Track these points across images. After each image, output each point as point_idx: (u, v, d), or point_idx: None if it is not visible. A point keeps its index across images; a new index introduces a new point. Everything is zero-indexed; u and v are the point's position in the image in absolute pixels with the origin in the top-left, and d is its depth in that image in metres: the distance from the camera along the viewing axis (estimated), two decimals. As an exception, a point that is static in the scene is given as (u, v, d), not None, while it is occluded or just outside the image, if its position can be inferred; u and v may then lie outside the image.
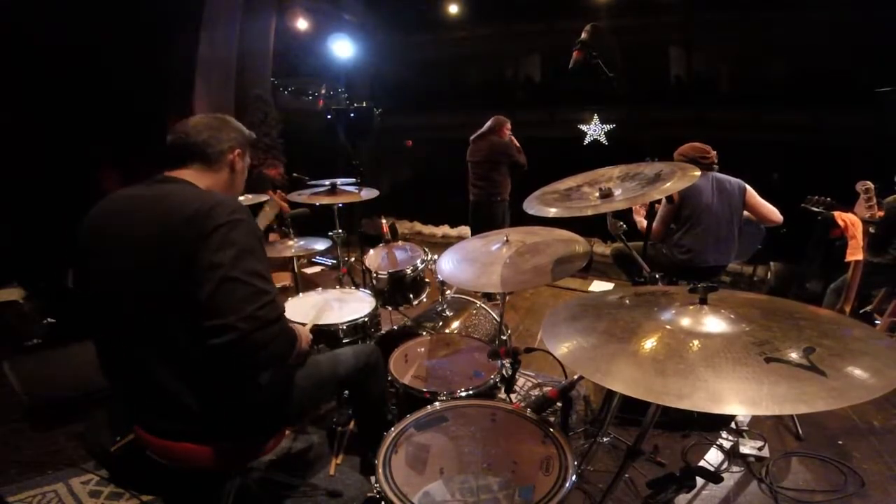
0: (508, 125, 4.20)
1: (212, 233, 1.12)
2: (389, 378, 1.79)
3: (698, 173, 1.57)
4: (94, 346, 1.29)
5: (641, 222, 2.76)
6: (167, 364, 1.20)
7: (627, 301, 1.17)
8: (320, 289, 2.58)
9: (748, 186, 2.63)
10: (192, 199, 1.17)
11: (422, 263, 2.57)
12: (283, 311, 1.20)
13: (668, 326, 0.98)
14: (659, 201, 2.66)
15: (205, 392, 1.23)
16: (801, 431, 2.25)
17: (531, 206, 1.72)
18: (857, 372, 0.79)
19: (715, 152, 2.67)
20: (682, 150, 2.67)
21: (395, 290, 2.54)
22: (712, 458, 2.14)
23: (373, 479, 1.16)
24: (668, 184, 1.54)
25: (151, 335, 1.18)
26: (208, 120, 1.36)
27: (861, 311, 3.03)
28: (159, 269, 1.14)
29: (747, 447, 2.13)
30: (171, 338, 1.17)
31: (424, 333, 2.15)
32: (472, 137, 4.28)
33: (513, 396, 1.89)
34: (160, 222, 1.15)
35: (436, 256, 2.34)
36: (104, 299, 1.22)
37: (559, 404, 1.37)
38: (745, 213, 2.68)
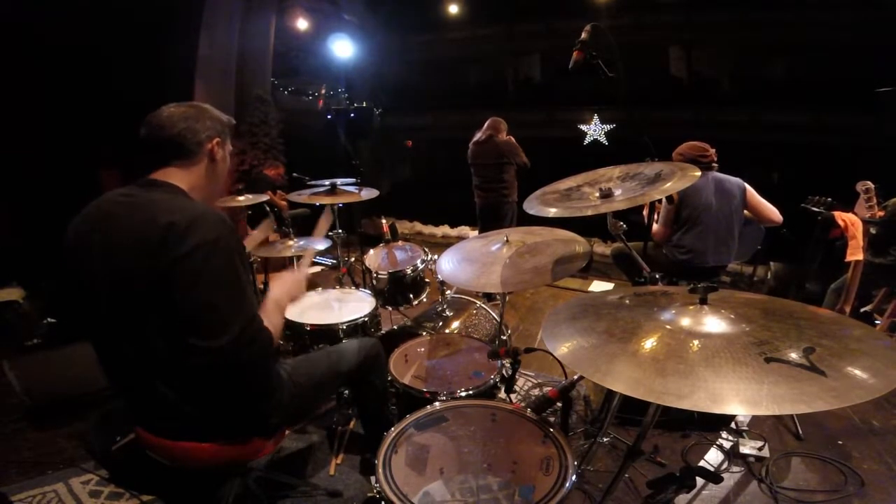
0: (505, 125, 4.22)
1: (188, 256, 1.09)
2: (389, 378, 1.79)
3: (698, 173, 1.56)
4: (92, 347, 1.29)
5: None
6: (156, 368, 1.19)
7: (627, 301, 1.17)
8: (320, 289, 2.58)
9: (748, 186, 2.63)
10: (170, 211, 1.14)
11: (422, 263, 2.57)
12: (261, 325, 1.20)
13: (668, 326, 0.98)
14: (660, 200, 2.66)
15: (197, 394, 1.23)
16: (801, 431, 2.25)
17: (531, 206, 1.72)
18: (857, 372, 0.79)
19: (714, 150, 2.67)
20: (680, 149, 2.67)
21: (395, 290, 2.54)
22: (712, 458, 2.14)
23: (373, 479, 1.16)
24: (669, 184, 1.54)
25: (137, 342, 1.18)
26: (183, 110, 1.28)
27: (861, 311, 3.03)
28: (136, 280, 1.12)
29: (747, 447, 2.13)
30: (154, 345, 1.16)
31: (424, 333, 2.15)
32: (473, 142, 4.28)
33: (513, 396, 1.89)
34: (138, 233, 1.13)
35: (436, 256, 2.34)
36: (90, 305, 1.21)
37: (559, 404, 1.37)
38: (746, 212, 2.67)
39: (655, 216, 2.71)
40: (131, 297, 1.14)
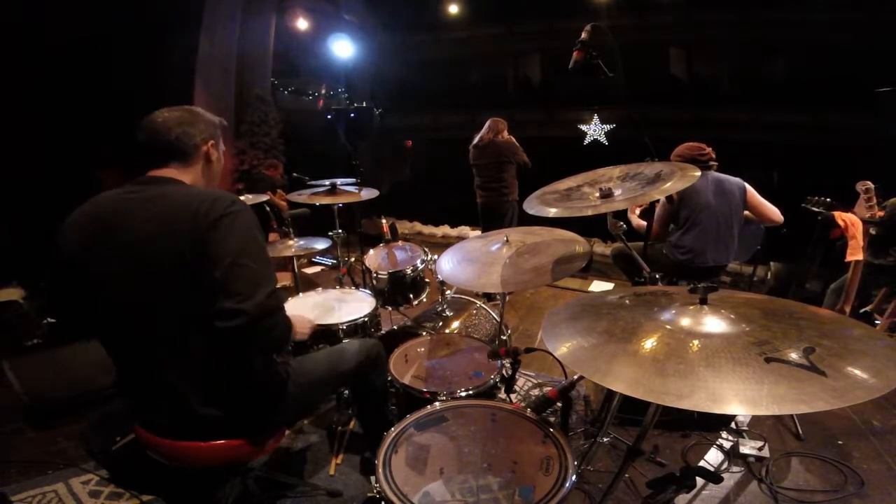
0: (505, 125, 4.23)
1: (216, 223, 1.15)
2: (389, 378, 1.79)
3: (698, 173, 1.56)
4: (102, 345, 1.29)
5: (636, 221, 2.76)
6: (174, 361, 1.21)
7: (627, 301, 1.17)
8: (320, 289, 2.58)
9: (748, 186, 2.63)
10: (191, 197, 1.19)
11: (422, 263, 2.57)
12: (281, 304, 1.24)
13: (668, 326, 0.98)
14: (658, 200, 2.66)
15: (209, 389, 1.24)
16: (801, 431, 2.25)
17: (531, 206, 1.72)
18: (857, 372, 0.79)
19: (711, 149, 2.66)
20: (677, 151, 2.67)
21: (395, 290, 2.54)
22: (712, 458, 2.14)
23: (373, 479, 1.16)
24: (669, 184, 1.54)
25: (159, 333, 1.20)
26: (178, 114, 1.34)
27: (861, 311, 3.03)
28: (165, 269, 1.15)
29: (747, 447, 2.13)
30: (180, 334, 1.18)
31: (424, 333, 2.15)
32: (473, 143, 4.29)
33: (513, 396, 1.89)
34: (161, 222, 1.16)
35: (436, 256, 2.34)
36: (105, 303, 1.22)
37: (559, 404, 1.37)
38: (746, 212, 2.67)
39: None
40: (161, 289, 1.17)
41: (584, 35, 1.85)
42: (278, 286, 1.23)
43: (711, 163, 2.65)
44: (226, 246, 1.14)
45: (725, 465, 2.08)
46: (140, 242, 1.17)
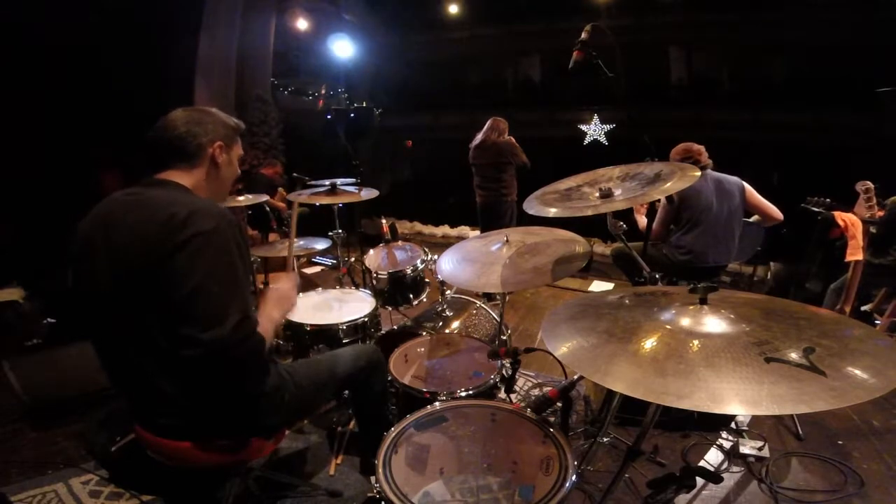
0: (506, 125, 4.23)
1: (187, 241, 1.10)
2: (389, 378, 1.79)
3: (698, 173, 1.57)
4: (92, 346, 1.29)
5: (643, 221, 2.76)
6: (156, 365, 1.19)
7: (627, 301, 1.17)
8: (320, 289, 2.58)
9: (746, 185, 2.63)
10: (170, 205, 1.15)
11: (422, 263, 2.57)
12: (255, 327, 1.17)
13: (668, 326, 0.98)
14: (659, 200, 2.66)
15: (196, 392, 1.23)
16: (801, 431, 2.25)
17: (531, 206, 1.72)
18: (857, 372, 0.79)
19: (702, 146, 2.66)
20: (672, 152, 2.67)
21: (395, 290, 2.54)
22: (712, 458, 2.14)
23: (373, 479, 1.16)
24: (669, 184, 1.54)
25: (136, 338, 1.18)
26: (188, 113, 1.30)
27: (861, 311, 3.03)
28: (136, 274, 1.13)
29: (747, 447, 2.13)
30: (154, 341, 1.16)
31: (424, 333, 2.15)
32: (473, 143, 4.29)
33: (513, 396, 1.89)
34: (139, 227, 1.14)
35: (436, 256, 2.34)
36: (93, 302, 1.22)
37: (559, 404, 1.37)
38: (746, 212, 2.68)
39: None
40: (133, 293, 1.15)
41: (584, 35, 1.85)
42: (249, 308, 1.15)
43: (706, 163, 2.65)
44: (191, 268, 1.09)
45: (725, 465, 2.08)
46: (122, 246, 1.15)
